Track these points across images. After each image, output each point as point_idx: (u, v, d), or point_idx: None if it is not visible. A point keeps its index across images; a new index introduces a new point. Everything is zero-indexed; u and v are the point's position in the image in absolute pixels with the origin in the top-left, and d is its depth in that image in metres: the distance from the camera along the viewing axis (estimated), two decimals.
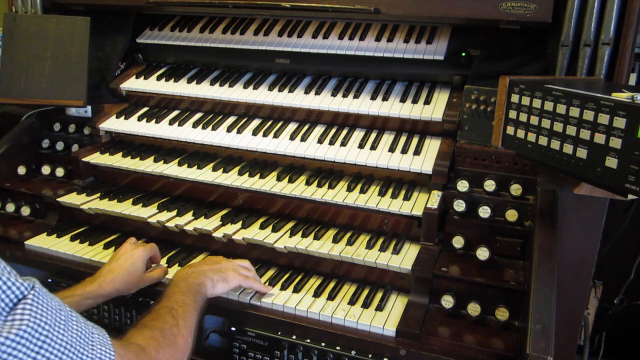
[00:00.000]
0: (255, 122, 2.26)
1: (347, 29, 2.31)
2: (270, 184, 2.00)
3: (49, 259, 1.99)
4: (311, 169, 2.10)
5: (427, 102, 2.07)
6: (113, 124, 2.37)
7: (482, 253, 1.65)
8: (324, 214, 1.96)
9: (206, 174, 2.09)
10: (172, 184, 2.17)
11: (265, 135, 2.16)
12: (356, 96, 2.16)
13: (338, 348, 1.59)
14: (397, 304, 1.71)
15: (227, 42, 2.43)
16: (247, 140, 2.15)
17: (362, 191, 1.92)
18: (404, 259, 1.73)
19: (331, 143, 2.06)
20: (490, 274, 1.65)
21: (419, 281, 1.68)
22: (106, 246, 2.02)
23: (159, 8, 2.46)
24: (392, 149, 2.00)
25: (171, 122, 2.32)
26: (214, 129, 2.23)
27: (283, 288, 1.78)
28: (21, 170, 2.37)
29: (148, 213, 2.02)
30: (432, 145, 2.00)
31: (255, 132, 2.18)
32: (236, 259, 1.78)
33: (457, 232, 1.75)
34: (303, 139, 2.11)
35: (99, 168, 2.30)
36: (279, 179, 2.03)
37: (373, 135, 2.09)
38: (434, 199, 1.80)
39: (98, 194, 2.18)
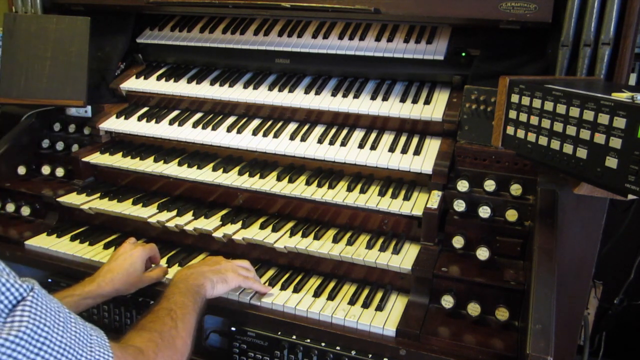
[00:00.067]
0: (255, 122, 2.26)
1: (347, 29, 2.31)
2: (270, 184, 2.00)
3: (49, 259, 1.99)
4: (311, 169, 2.10)
5: (427, 102, 2.07)
6: (113, 124, 2.37)
7: (482, 253, 1.65)
8: (324, 214, 1.96)
9: (206, 174, 2.09)
10: (172, 184, 2.17)
11: (265, 135, 2.16)
12: (356, 96, 2.16)
13: (338, 348, 1.59)
14: (397, 304, 1.71)
15: (227, 42, 2.43)
16: (247, 140, 2.15)
17: (362, 191, 1.92)
18: (404, 259, 1.73)
19: (331, 143, 2.06)
20: (490, 274, 1.65)
21: (419, 281, 1.68)
22: (106, 246, 2.02)
23: (159, 8, 2.46)
24: (392, 149, 2.00)
25: (171, 122, 2.32)
26: (214, 129, 2.23)
27: (283, 288, 1.78)
28: (21, 170, 2.37)
29: (148, 213, 2.02)
30: (432, 145, 2.00)
31: (255, 132, 2.18)
32: (236, 259, 1.78)
33: (457, 232, 1.75)
34: (303, 139, 2.11)
35: (99, 168, 2.30)
36: (279, 179, 2.03)
37: (373, 135, 2.09)
38: (434, 199, 1.80)
39: (98, 194, 2.18)
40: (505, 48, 2.00)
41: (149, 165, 2.18)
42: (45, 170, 2.36)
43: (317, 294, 1.74)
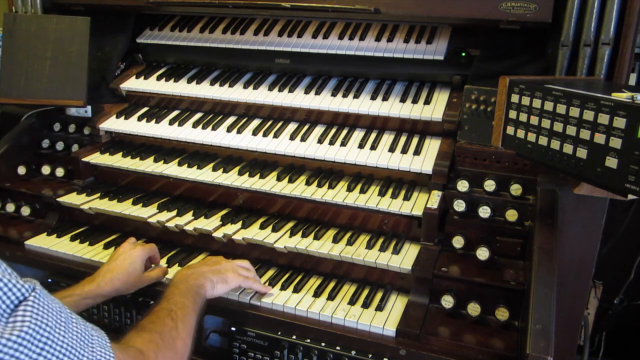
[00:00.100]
0: (255, 122, 2.26)
1: (347, 29, 2.31)
2: (270, 184, 2.00)
3: (49, 259, 1.99)
4: (311, 169, 2.10)
5: (427, 102, 2.07)
6: (113, 124, 2.37)
7: (482, 253, 1.65)
8: (324, 214, 1.96)
9: (206, 174, 2.09)
10: (172, 184, 2.17)
11: (265, 135, 2.16)
12: (356, 96, 2.16)
13: (338, 348, 1.59)
14: (397, 304, 1.71)
15: (227, 42, 2.43)
16: (247, 140, 2.15)
17: (362, 191, 1.92)
18: (404, 259, 1.73)
19: (331, 143, 2.06)
20: (490, 274, 1.65)
21: (419, 281, 1.68)
22: (106, 246, 2.02)
23: (159, 8, 2.46)
24: (392, 149, 2.00)
25: (171, 122, 2.32)
26: (214, 129, 2.23)
27: (283, 288, 1.78)
28: (21, 170, 2.37)
29: (148, 213, 2.02)
30: (432, 145, 2.00)
31: (255, 132, 2.18)
32: (236, 259, 1.79)
33: (457, 232, 1.75)
34: (303, 139, 2.11)
35: (99, 168, 2.30)
36: (279, 179, 2.03)
37: (373, 135, 2.09)
38: (434, 199, 1.80)
39: (98, 194, 2.18)
40: (505, 48, 2.00)
41: (149, 165, 2.18)
42: (45, 170, 2.36)
43: (317, 294, 1.74)
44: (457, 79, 2.10)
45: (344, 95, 2.18)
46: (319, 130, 2.17)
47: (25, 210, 2.21)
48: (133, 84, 2.48)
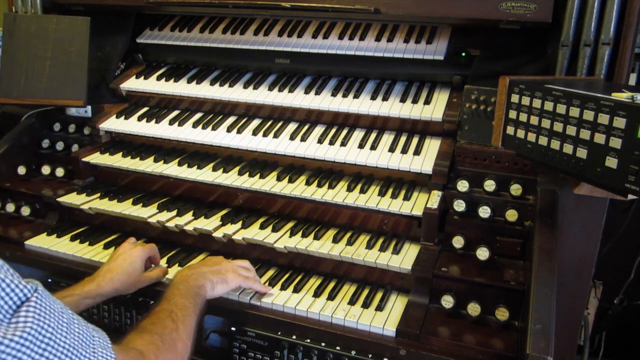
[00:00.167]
0: (255, 122, 2.26)
1: (347, 29, 2.31)
2: (270, 184, 2.00)
3: (49, 259, 1.99)
4: (311, 169, 2.10)
5: (427, 102, 2.07)
6: (113, 124, 2.37)
7: (482, 253, 1.65)
8: (324, 214, 1.96)
9: (206, 174, 2.09)
10: (172, 184, 2.17)
11: (265, 135, 2.16)
12: (356, 96, 2.16)
13: (338, 348, 1.59)
14: (397, 304, 1.71)
15: (227, 42, 2.43)
16: (247, 140, 2.15)
17: (362, 191, 1.92)
18: (404, 259, 1.73)
19: (331, 143, 2.06)
20: (490, 274, 1.65)
21: (419, 281, 1.68)
22: (106, 246, 2.02)
23: (159, 8, 2.46)
24: (392, 149, 2.00)
25: (171, 122, 2.32)
26: (214, 129, 2.23)
27: (283, 288, 1.78)
28: (21, 170, 2.37)
29: (148, 213, 2.02)
30: (432, 145, 2.00)
31: (255, 132, 2.18)
32: (236, 259, 1.79)
33: (457, 232, 1.75)
34: (303, 139, 2.11)
35: (99, 168, 2.30)
36: (279, 179, 2.03)
37: (373, 135, 2.09)
38: (434, 199, 1.80)
39: (98, 194, 2.18)
40: (505, 48, 2.00)
41: (149, 165, 2.18)
42: (45, 170, 2.36)
43: (317, 294, 1.74)
44: (457, 79, 2.10)
45: (344, 95, 2.18)
46: (319, 130, 2.17)
47: (25, 210, 2.21)
48: (133, 84, 2.48)
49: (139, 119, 2.37)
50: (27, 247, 2.05)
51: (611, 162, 1.26)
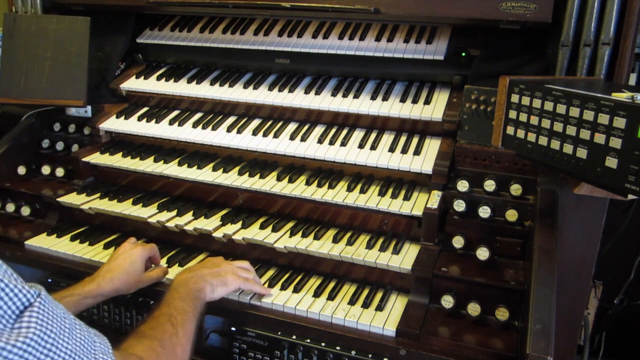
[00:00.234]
0: (255, 122, 2.26)
1: (347, 29, 2.31)
2: (270, 184, 2.00)
3: (49, 259, 1.99)
4: (311, 169, 2.10)
5: (427, 102, 2.07)
6: (113, 124, 2.37)
7: (482, 253, 1.65)
8: (324, 214, 1.96)
9: (206, 174, 2.09)
10: (172, 184, 2.17)
11: (265, 135, 2.16)
12: (356, 96, 2.16)
13: (338, 348, 1.59)
14: (397, 304, 1.71)
15: (227, 42, 2.43)
16: (247, 140, 2.15)
17: (362, 191, 1.92)
18: (404, 259, 1.73)
19: (331, 143, 2.06)
20: (490, 274, 1.65)
21: (419, 281, 1.68)
22: (106, 246, 2.02)
23: (159, 8, 2.46)
24: (392, 149, 2.00)
25: (171, 122, 2.32)
26: (214, 129, 2.23)
27: (283, 288, 1.78)
28: (21, 170, 2.37)
29: (148, 213, 2.02)
30: (432, 145, 2.00)
31: (255, 132, 2.18)
32: (236, 260, 1.79)
33: (457, 232, 1.75)
34: (303, 139, 2.11)
35: (99, 168, 2.30)
36: (279, 179, 2.03)
37: (373, 135, 2.09)
38: (434, 199, 1.80)
39: (98, 194, 2.18)
40: (505, 48, 2.00)
41: (149, 165, 2.18)
42: (45, 170, 2.37)
43: (317, 294, 1.74)
44: (457, 79, 2.10)
45: (344, 95, 2.18)
46: (319, 130, 2.17)
47: (25, 210, 2.21)
48: (133, 84, 2.48)
49: (139, 119, 2.37)
50: (27, 247, 2.05)
51: (611, 162, 1.26)
